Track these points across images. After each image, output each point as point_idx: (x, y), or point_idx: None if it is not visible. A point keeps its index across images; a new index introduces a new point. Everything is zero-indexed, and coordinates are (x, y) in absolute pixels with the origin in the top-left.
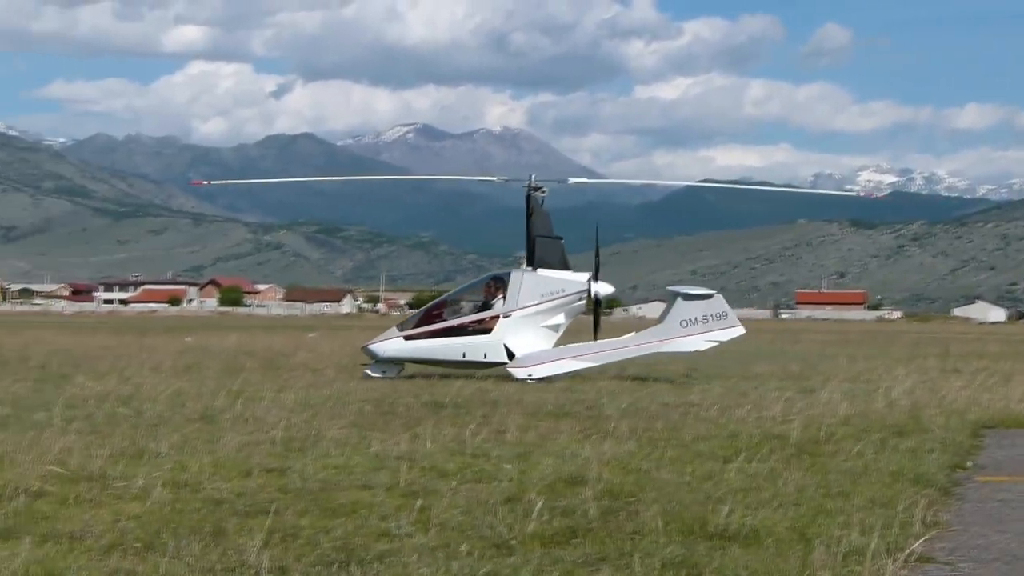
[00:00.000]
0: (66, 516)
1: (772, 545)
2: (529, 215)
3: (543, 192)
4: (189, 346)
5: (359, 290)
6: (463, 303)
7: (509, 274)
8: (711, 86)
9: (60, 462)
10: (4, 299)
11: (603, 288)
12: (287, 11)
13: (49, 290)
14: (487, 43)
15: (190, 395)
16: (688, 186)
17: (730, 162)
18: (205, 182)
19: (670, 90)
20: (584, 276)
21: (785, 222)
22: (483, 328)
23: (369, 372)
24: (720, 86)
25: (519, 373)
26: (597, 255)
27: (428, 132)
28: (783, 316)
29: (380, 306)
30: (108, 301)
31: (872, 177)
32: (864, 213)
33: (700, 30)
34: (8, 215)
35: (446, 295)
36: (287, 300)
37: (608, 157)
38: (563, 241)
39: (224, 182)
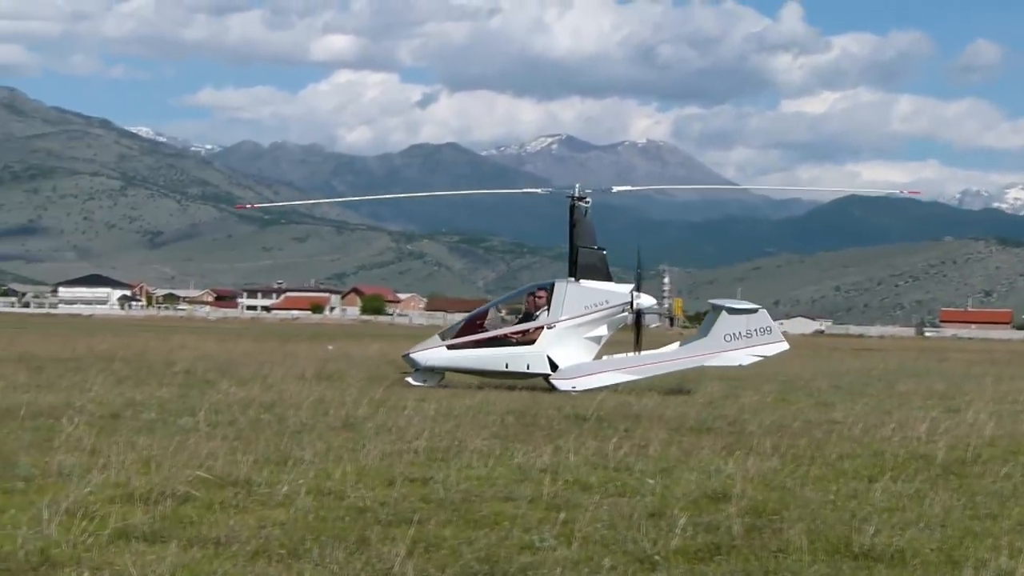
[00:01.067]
0: (211, 521)
1: (919, 567)
2: (573, 225)
3: (587, 202)
4: (331, 354)
5: None
6: (506, 313)
7: (553, 284)
8: (858, 101)
9: (206, 467)
10: (150, 304)
11: (645, 300)
12: (434, 21)
13: (194, 296)
14: (634, 55)
15: (333, 403)
16: (833, 201)
17: (876, 177)
18: (248, 205)
19: (817, 104)
20: (627, 288)
21: (931, 239)
22: (527, 339)
23: (410, 380)
24: (867, 101)
25: (563, 385)
26: (639, 267)
27: (572, 143)
28: (927, 334)
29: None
30: (251, 307)
31: (1021, 195)
32: (1013, 231)
33: (849, 45)
34: (155, 221)
35: (488, 304)
36: (428, 310)
37: (753, 171)
38: (606, 252)
39: (265, 205)
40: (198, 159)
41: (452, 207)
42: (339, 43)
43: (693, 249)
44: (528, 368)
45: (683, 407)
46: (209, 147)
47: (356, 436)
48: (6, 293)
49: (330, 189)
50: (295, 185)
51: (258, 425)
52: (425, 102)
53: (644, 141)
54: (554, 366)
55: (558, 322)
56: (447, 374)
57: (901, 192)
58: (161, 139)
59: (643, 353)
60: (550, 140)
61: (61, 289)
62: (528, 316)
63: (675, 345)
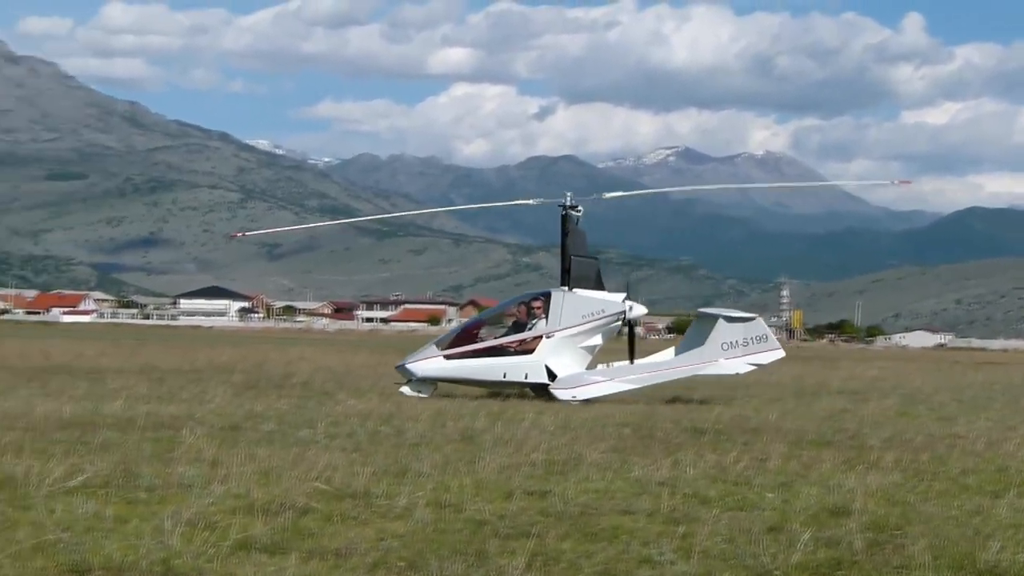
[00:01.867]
0: (331, 533)
1: None
2: (565, 234)
3: (579, 211)
4: None
5: None
6: (502, 322)
7: (549, 294)
8: (981, 111)
9: (325, 479)
10: (268, 316)
11: (637, 309)
12: (551, 33)
13: (311, 308)
14: (752, 67)
15: (451, 415)
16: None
17: (999, 189)
18: (240, 233)
19: (938, 115)
20: (620, 297)
21: None
22: (526, 348)
23: (405, 391)
24: (991, 112)
25: (563, 395)
26: (629, 279)
27: (689, 155)
28: None
29: (638, 330)
30: (369, 319)
31: None
32: None
33: (971, 55)
34: (275, 234)
35: (483, 314)
36: None
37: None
38: (598, 261)
39: (257, 232)
40: (316, 172)
41: None
42: (457, 56)
43: (812, 261)
44: (526, 377)
45: (802, 420)
46: (327, 160)
47: (474, 448)
48: (128, 305)
49: (448, 201)
50: (412, 197)
51: (376, 437)
52: (542, 114)
53: (762, 153)
54: (552, 375)
55: (556, 331)
56: (440, 384)
57: (893, 183)
58: (279, 152)
59: (642, 362)
60: (667, 152)
61: (181, 301)
62: (521, 326)
63: (670, 353)
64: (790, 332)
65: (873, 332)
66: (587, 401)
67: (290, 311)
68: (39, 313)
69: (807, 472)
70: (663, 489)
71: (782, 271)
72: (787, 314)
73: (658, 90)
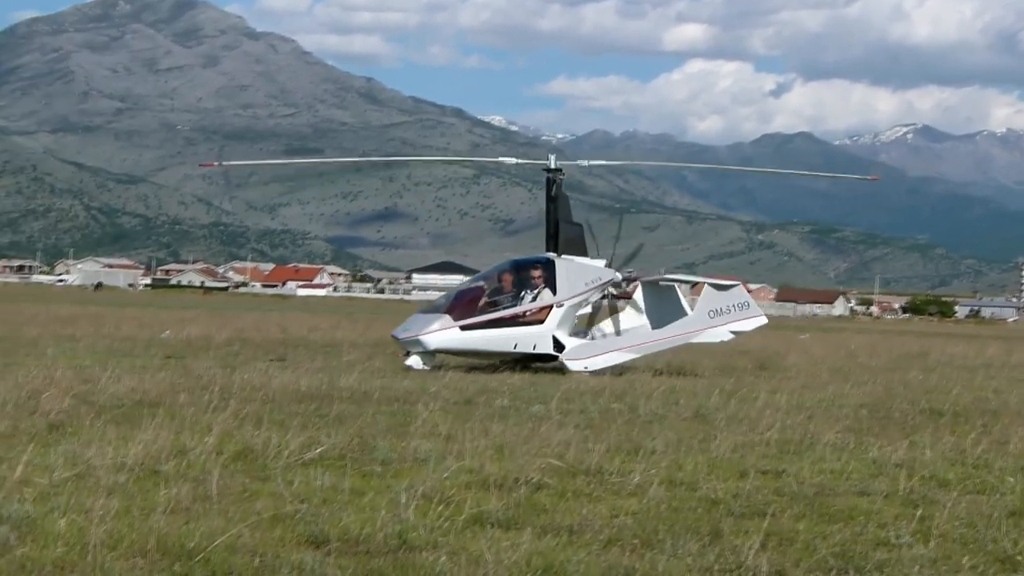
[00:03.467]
0: (565, 509)
1: None
2: (553, 199)
3: (563, 175)
4: None
5: (852, 291)
6: (504, 290)
7: (550, 261)
8: None
9: (558, 455)
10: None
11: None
12: (789, 9)
13: None
14: (996, 42)
15: (684, 393)
16: None
17: None
18: (215, 163)
19: None
20: (603, 263)
21: None
22: (537, 318)
23: (412, 364)
24: None
25: (575, 366)
26: (617, 241)
27: (928, 133)
28: None
29: (873, 309)
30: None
31: None
32: None
33: None
34: (507, 209)
35: (476, 280)
36: (778, 300)
37: None
38: (583, 227)
39: (233, 163)
40: (549, 148)
41: (803, 198)
42: (692, 32)
43: None
44: (535, 348)
45: None
46: (560, 136)
47: (707, 427)
48: (362, 279)
49: (680, 179)
50: (644, 174)
51: (609, 414)
52: (778, 91)
53: (1004, 131)
54: (559, 346)
55: (566, 300)
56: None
57: (867, 178)
58: (513, 128)
59: (637, 331)
60: (905, 130)
61: (415, 275)
62: (519, 294)
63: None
64: None
65: None
66: (596, 372)
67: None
68: (275, 286)
69: None
70: (900, 471)
71: (1023, 251)
72: None
73: (898, 66)
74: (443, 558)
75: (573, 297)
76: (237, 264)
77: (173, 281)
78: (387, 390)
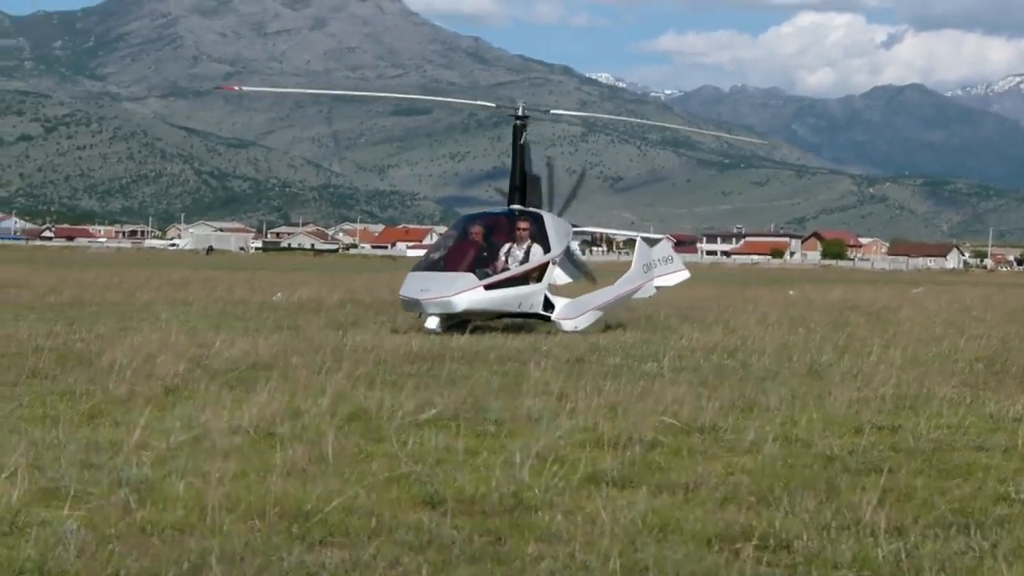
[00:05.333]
0: (679, 467)
1: None
2: (522, 147)
3: (529, 121)
4: (793, 299)
5: (965, 244)
6: (502, 246)
7: (537, 214)
8: None
9: (671, 413)
10: (610, 249)
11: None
12: None
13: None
14: None
15: (796, 348)
16: None
17: None
18: (236, 88)
19: None
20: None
21: None
22: (535, 276)
23: (430, 326)
24: None
25: (567, 325)
26: (573, 196)
27: None
28: None
29: (987, 261)
30: (711, 252)
31: None
32: None
33: None
34: (616, 166)
35: (471, 235)
36: (891, 254)
37: None
38: (540, 177)
39: (254, 89)
40: (658, 104)
41: (915, 150)
42: None
43: None
44: (532, 308)
45: None
46: (669, 92)
47: (821, 383)
48: None
49: (790, 133)
50: (755, 128)
51: (722, 371)
52: (889, 43)
53: None
54: (548, 304)
55: (557, 257)
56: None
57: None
58: (621, 85)
59: (602, 288)
60: (1018, 79)
61: None
62: (508, 249)
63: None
64: None
65: None
66: (582, 331)
67: (632, 244)
68: (385, 248)
69: None
70: (1019, 426)
71: None
72: None
73: (1012, 15)
74: (559, 517)
75: (560, 253)
76: (347, 226)
77: (284, 244)
78: (499, 350)
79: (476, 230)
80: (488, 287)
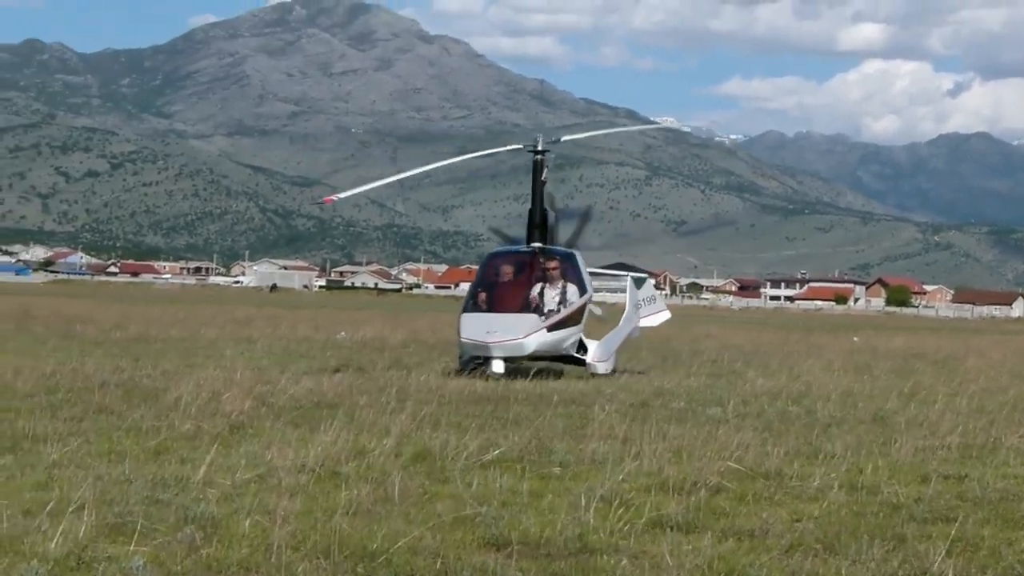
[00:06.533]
0: (745, 513)
1: None
2: (543, 183)
3: (552, 155)
4: (857, 346)
5: None
6: (549, 286)
7: (571, 253)
8: None
9: (736, 458)
10: (673, 293)
11: None
12: (968, 8)
13: (717, 285)
14: None
15: (861, 395)
16: None
17: None
18: (334, 197)
19: None
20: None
21: None
22: (576, 318)
23: (497, 370)
24: None
25: (601, 368)
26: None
27: None
28: None
29: None
30: (774, 297)
31: None
32: None
33: None
34: (680, 210)
35: (517, 274)
36: (956, 301)
37: None
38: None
39: (346, 195)
40: (722, 149)
41: (980, 198)
42: (869, 32)
43: None
44: (571, 350)
45: None
46: (734, 137)
47: (887, 430)
48: None
49: (855, 179)
50: (820, 175)
51: (787, 417)
52: (956, 91)
53: None
54: (583, 347)
55: (590, 297)
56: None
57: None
58: (685, 130)
59: (615, 330)
60: None
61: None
62: (562, 292)
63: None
64: None
65: None
66: (609, 374)
67: (696, 288)
68: (448, 288)
69: None
70: None
71: None
72: None
73: None
74: (624, 561)
75: (591, 292)
76: (410, 265)
77: (347, 282)
78: (563, 392)
79: (520, 270)
80: (551, 328)
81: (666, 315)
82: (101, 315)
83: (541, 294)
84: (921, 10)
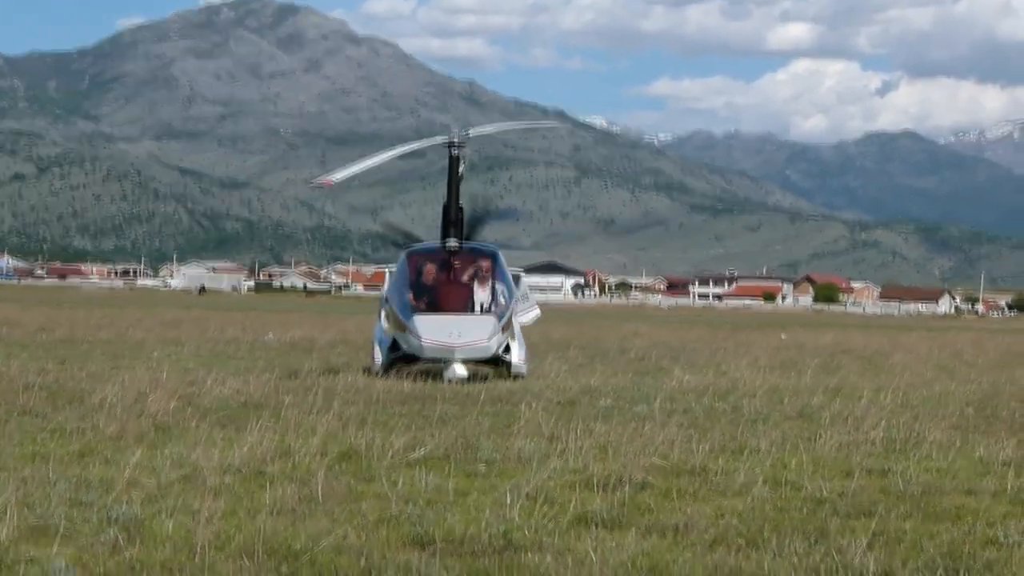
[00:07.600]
0: (669, 509)
1: None
2: (460, 179)
3: (467, 151)
4: (784, 343)
5: (957, 290)
6: (485, 286)
7: (495, 251)
8: None
9: (662, 455)
10: (602, 292)
11: None
12: (896, 8)
13: (646, 284)
14: None
15: (787, 391)
16: None
17: None
18: (332, 180)
19: None
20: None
21: None
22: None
23: (460, 373)
24: None
25: (524, 369)
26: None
27: None
28: None
29: (979, 307)
30: (703, 296)
31: None
32: None
33: None
34: (609, 210)
35: (440, 268)
36: (882, 299)
37: None
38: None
39: (340, 176)
40: (651, 149)
41: (907, 196)
42: (797, 31)
43: None
44: (502, 352)
45: None
46: (662, 137)
47: (812, 425)
48: None
49: (784, 178)
50: (748, 174)
51: (713, 413)
52: (884, 90)
53: None
54: (507, 347)
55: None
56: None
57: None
58: (615, 130)
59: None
60: (1012, 127)
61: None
62: (499, 291)
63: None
64: None
65: None
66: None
67: (624, 287)
68: (378, 289)
69: None
70: (1008, 469)
71: None
72: None
73: (1005, 63)
74: (548, 558)
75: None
76: (339, 266)
77: (276, 284)
78: (491, 391)
79: (453, 268)
80: (503, 329)
81: (536, 312)
82: (27, 318)
83: (493, 294)
84: (849, 9)
